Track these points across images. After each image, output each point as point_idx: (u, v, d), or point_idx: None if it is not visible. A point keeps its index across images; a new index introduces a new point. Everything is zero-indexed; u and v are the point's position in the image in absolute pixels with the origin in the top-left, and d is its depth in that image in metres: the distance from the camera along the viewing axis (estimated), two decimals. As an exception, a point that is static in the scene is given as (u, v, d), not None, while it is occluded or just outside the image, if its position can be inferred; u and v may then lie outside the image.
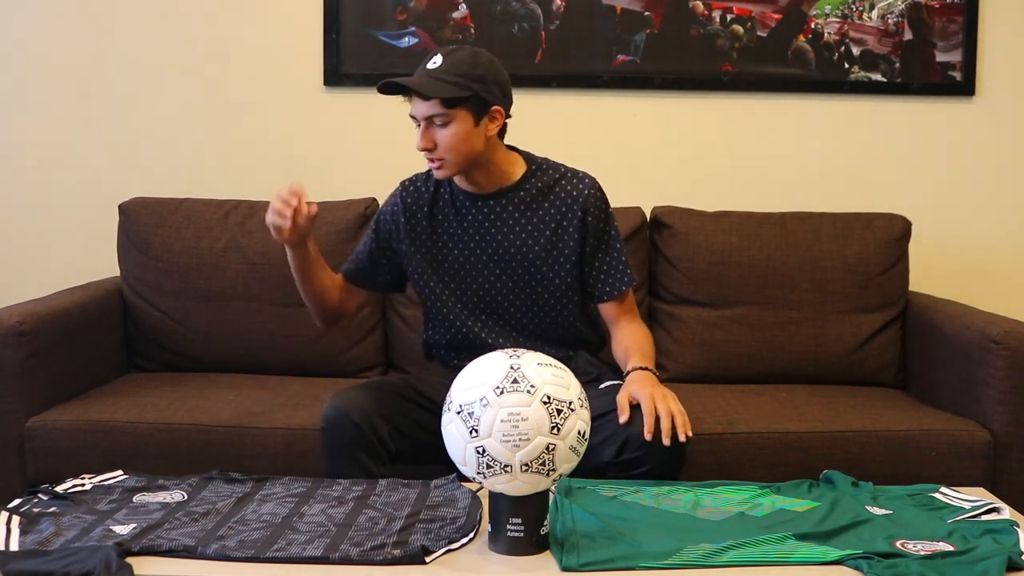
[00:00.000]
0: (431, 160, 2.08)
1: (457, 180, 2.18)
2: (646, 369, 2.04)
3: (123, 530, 1.63)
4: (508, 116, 2.12)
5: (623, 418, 1.92)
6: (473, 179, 2.15)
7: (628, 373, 2.05)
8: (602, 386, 2.11)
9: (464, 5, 3.06)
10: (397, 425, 2.04)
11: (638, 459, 1.91)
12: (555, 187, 2.18)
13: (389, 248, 2.26)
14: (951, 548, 1.59)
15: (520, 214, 2.17)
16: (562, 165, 2.24)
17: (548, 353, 1.67)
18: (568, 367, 1.64)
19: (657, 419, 1.89)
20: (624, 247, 2.24)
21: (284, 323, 2.76)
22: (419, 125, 2.06)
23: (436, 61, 2.03)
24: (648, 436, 1.87)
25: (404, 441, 2.04)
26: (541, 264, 2.17)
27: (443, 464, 1.72)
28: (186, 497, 1.80)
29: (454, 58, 2.03)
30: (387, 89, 2.05)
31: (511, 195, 2.17)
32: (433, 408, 1.93)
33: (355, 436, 1.97)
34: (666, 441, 1.87)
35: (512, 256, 2.17)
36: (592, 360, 2.25)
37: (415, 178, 2.26)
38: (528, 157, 2.22)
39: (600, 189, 2.22)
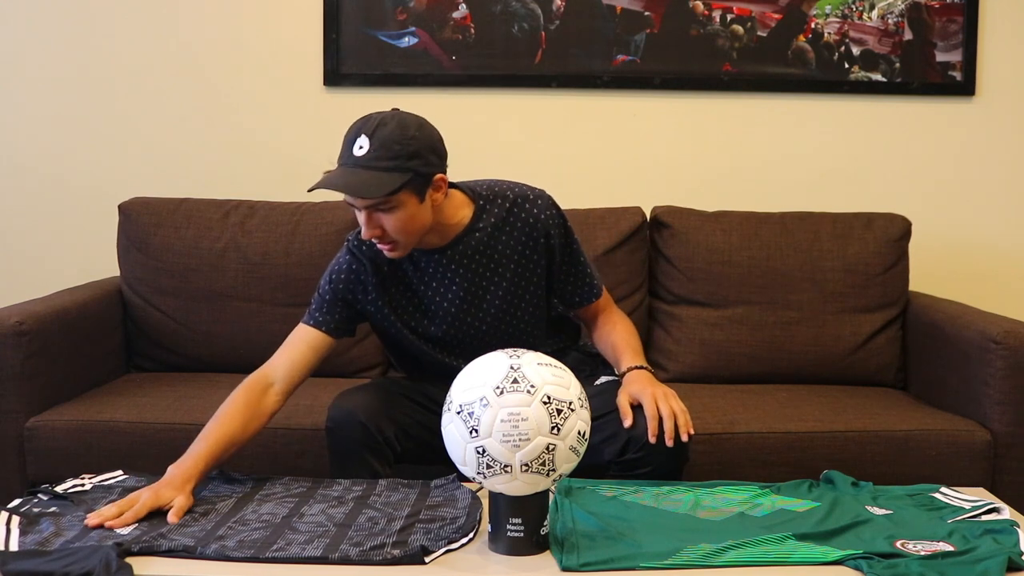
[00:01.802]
0: (382, 244, 1.93)
1: None
2: (642, 368, 2.04)
3: (123, 530, 1.63)
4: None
5: (627, 422, 1.91)
6: (426, 241, 2.01)
7: (625, 373, 2.05)
8: (598, 382, 2.11)
9: (464, 5, 3.06)
10: (403, 426, 2.03)
11: (641, 459, 1.92)
12: (509, 217, 2.05)
13: (350, 307, 2.08)
14: (951, 548, 1.59)
15: (480, 255, 2.05)
16: (508, 188, 2.08)
17: None
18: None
19: (660, 420, 1.89)
20: (587, 256, 2.15)
21: (284, 323, 2.73)
22: (359, 209, 1.89)
23: (363, 145, 1.84)
24: (652, 439, 1.87)
25: (410, 442, 2.04)
26: (511, 297, 2.09)
27: (446, 464, 1.72)
28: (186, 497, 1.80)
29: (381, 138, 1.84)
30: (320, 188, 1.86)
31: (467, 239, 2.04)
32: (436, 408, 1.93)
33: (361, 437, 1.97)
34: (669, 443, 1.87)
35: (480, 297, 2.08)
36: (581, 357, 2.23)
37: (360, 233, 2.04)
38: (472, 193, 2.06)
39: (555, 205, 2.09)
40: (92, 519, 1.66)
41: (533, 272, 2.08)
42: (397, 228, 1.90)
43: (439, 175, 1.92)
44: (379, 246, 1.95)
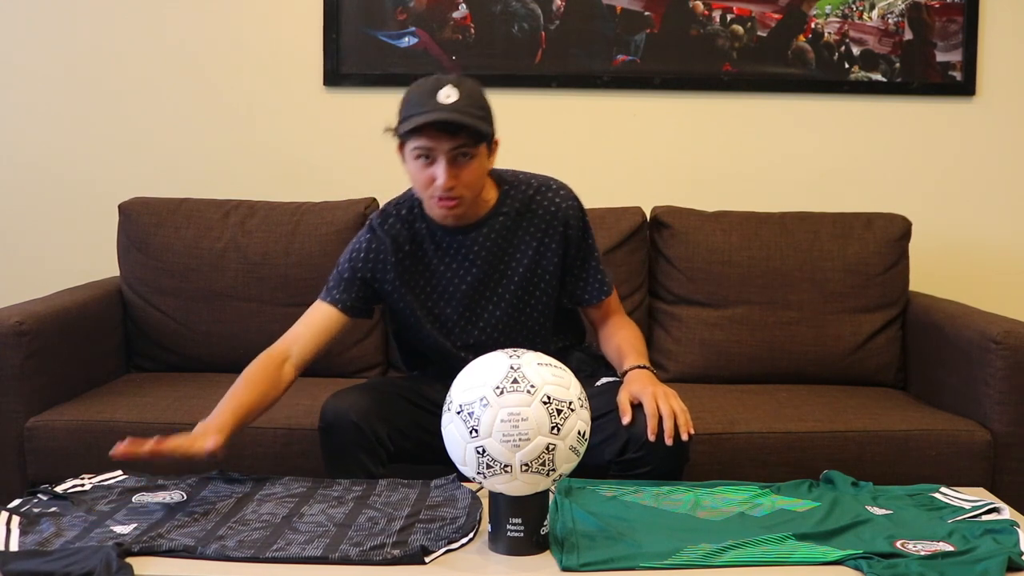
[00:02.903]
0: (449, 199, 1.95)
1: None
2: (644, 368, 2.04)
3: (123, 530, 1.63)
4: None
5: (626, 420, 1.92)
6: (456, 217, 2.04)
7: (626, 372, 2.05)
8: (599, 383, 2.11)
9: (464, 5, 3.06)
10: (396, 425, 2.03)
11: (641, 459, 1.92)
12: (531, 204, 2.10)
13: (368, 286, 2.11)
14: (951, 548, 1.59)
15: (501, 239, 2.09)
16: (532, 177, 2.14)
17: None
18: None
19: (660, 419, 1.89)
20: (600, 254, 2.18)
21: (284, 323, 2.72)
22: (429, 160, 1.93)
23: (450, 95, 1.90)
24: (652, 437, 1.87)
25: (404, 441, 2.04)
26: (526, 284, 2.11)
27: (444, 464, 1.72)
28: (185, 497, 1.80)
29: (468, 90, 1.92)
30: (420, 130, 1.90)
31: (491, 222, 2.08)
32: (433, 408, 1.93)
33: (354, 436, 1.97)
34: (668, 442, 1.87)
35: (497, 281, 2.11)
36: (584, 357, 2.24)
37: (386, 214, 2.13)
38: (498, 177, 2.12)
39: (576, 198, 2.14)
40: (120, 448, 1.71)
41: (549, 261, 2.11)
42: (470, 180, 1.96)
43: (497, 139, 2.02)
44: (444, 203, 1.97)
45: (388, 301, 2.15)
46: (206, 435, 1.79)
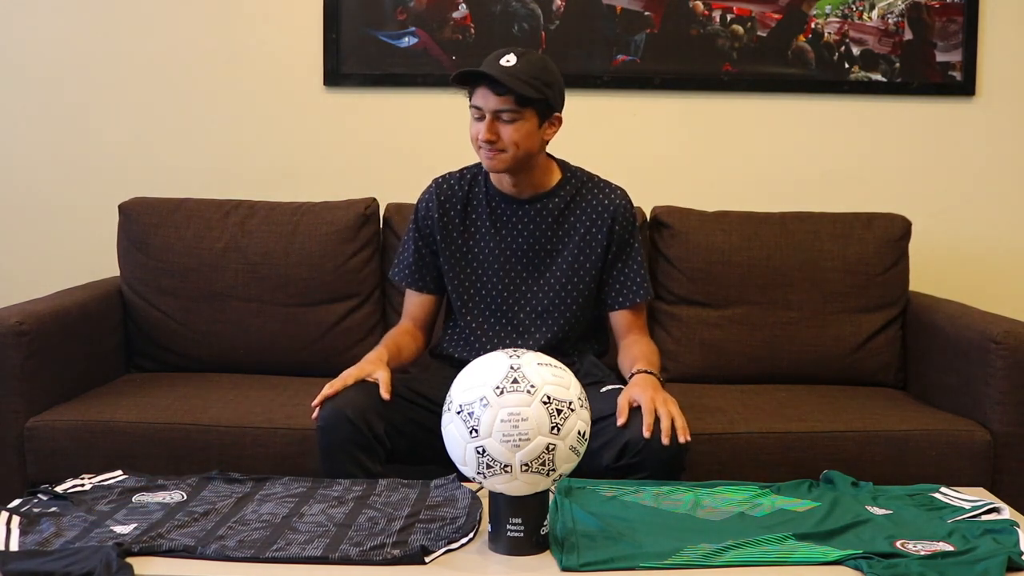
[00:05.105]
0: (490, 151, 2.10)
1: (495, 181, 2.22)
2: (650, 373, 2.05)
3: (123, 530, 1.63)
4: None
5: (620, 421, 1.92)
6: (515, 182, 2.19)
7: (631, 376, 2.05)
8: (604, 389, 2.11)
9: (464, 5, 3.06)
10: (393, 423, 2.03)
11: (636, 464, 1.91)
12: (587, 195, 2.24)
13: (432, 243, 2.27)
14: (951, 548, 1.59)
15: (553, 219, 2.22)
16: (596, 175, 2.29)
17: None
18: (572, 370, 1.64)
19: (657, 420, 1.89)
20: (644, 263, 2.27)
21: (284, 323, 2.76)
22: (479, 118, 2.09)
23: (510, 60, 2.05)
24: (647, 433, 1.87)
25: (401, 439, 2.05)
26: (567, 269, 2.21)
27: (441, 463, 1.72)
28: (186, 497, 1.80)
29: (528, 60, 2.07)
30: (464, 79, 2.08)
31: (545, 201, 2.22)
32: (430, 406, 1.94)
33: (351, 434, 1.97)
34: (665, 440, 1.87)
35: (541, 260, 2.22)
36: (597, 363, 2.25)
37: (448, 176, 2.30)
38: (563, 165, 2.28)
39: (630, 202, 2.28)
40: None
41: (593, 251, 2.21)
42: (512, 138, 2.09)
43: (558, 114, 2.16)
44: (487, 153, 2.11)
45: (442, 257, 2.26)
46: (371, 364, 2.05)
